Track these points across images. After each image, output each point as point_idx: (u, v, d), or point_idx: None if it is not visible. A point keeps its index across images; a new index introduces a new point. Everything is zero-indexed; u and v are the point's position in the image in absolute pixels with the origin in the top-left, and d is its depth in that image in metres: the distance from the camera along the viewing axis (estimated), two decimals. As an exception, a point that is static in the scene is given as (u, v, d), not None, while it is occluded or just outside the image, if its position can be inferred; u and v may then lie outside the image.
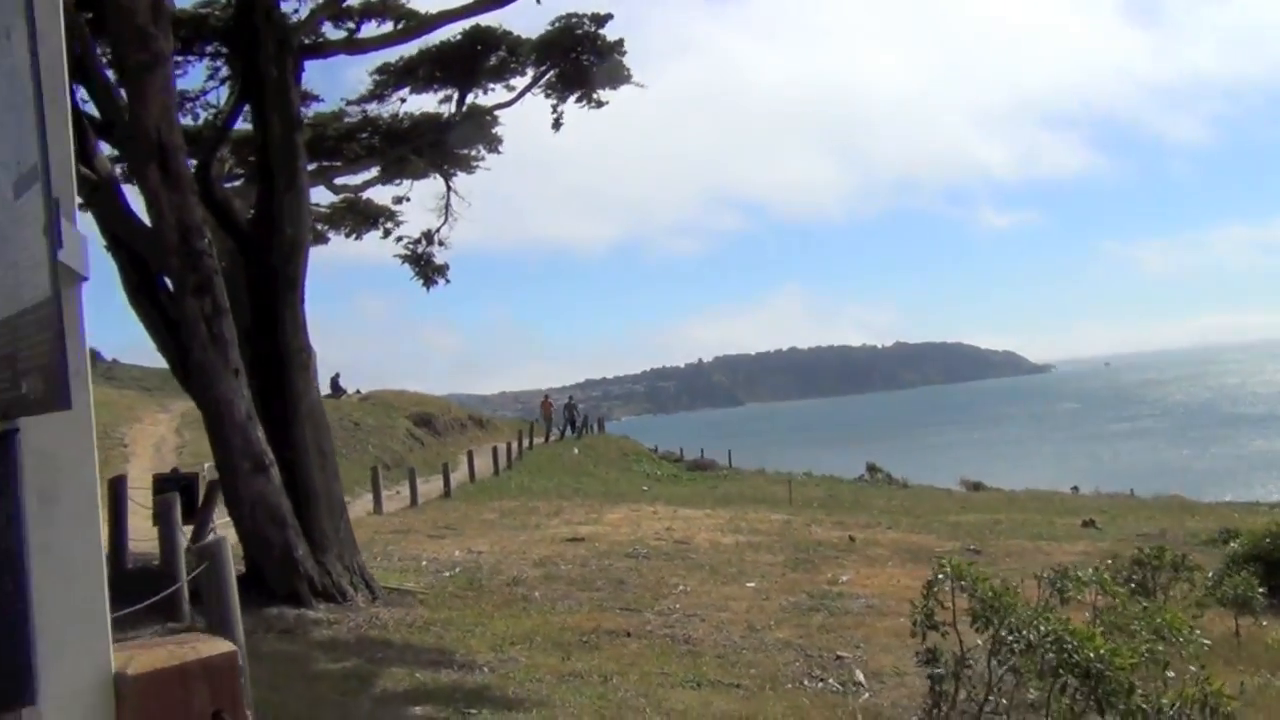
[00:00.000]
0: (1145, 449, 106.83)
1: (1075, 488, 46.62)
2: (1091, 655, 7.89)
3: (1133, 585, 11.42)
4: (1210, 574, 12.57)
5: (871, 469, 51.32)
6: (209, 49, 16.62)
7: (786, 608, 14.43)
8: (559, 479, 39.78)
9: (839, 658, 11.62)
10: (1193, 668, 7.98)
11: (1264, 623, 11.70)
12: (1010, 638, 8.25)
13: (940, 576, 9.09)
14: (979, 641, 8.71)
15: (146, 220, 12.07)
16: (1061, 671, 7.98)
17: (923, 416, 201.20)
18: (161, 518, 10.80)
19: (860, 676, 10.92)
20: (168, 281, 12.72)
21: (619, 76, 18.40)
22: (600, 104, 18.45)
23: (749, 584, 16.27)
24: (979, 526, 25.24)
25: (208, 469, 16.70)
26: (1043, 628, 8.16)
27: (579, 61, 18.06)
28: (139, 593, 7.46)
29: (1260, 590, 11.20)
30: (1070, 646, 8.00)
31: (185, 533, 11.99)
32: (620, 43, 17.68)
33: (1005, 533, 23.71)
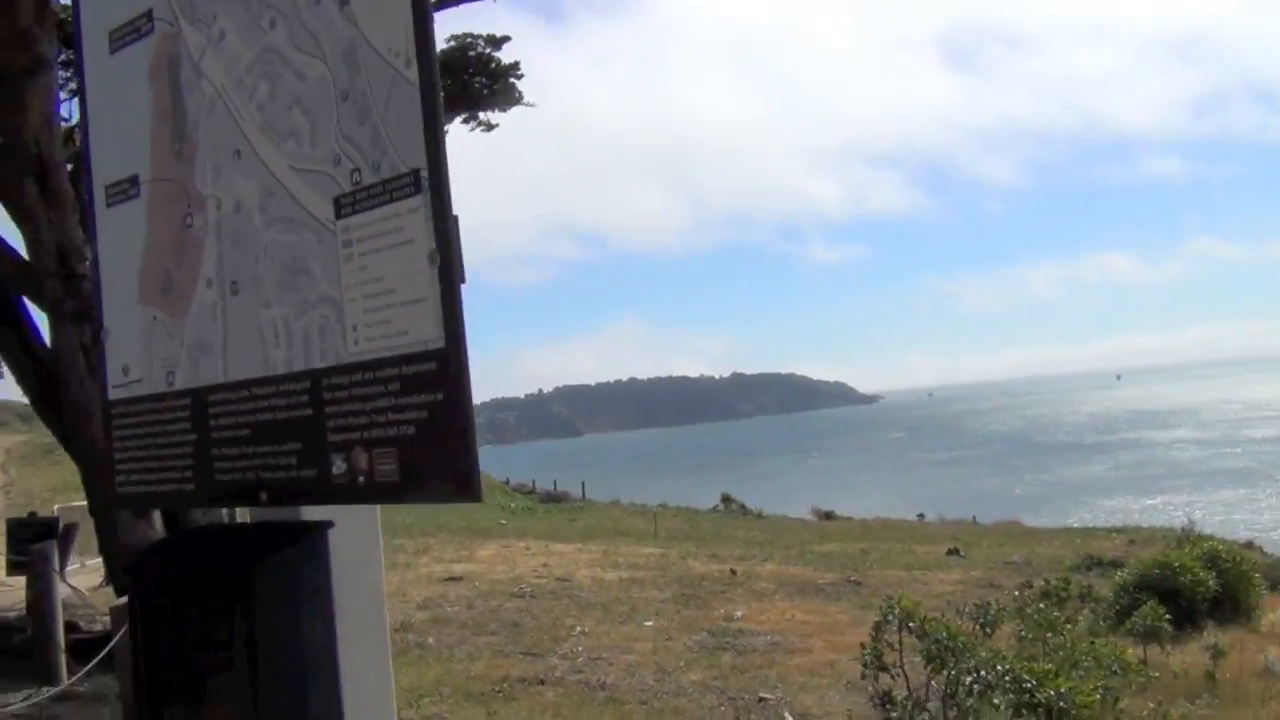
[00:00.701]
0: (968, 477, 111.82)
1: (921, 515, 48.10)
2: (1053, 694, 7.83)
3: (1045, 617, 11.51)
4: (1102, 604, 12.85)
5: (726, 499, 51.73)
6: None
7: (692, 647, 14.10)
8: (417, 513, 38.51)
9: (762, 699, 11.34)
10: (1151, 704, 8.01)
11: (1168, 651, 12.04)
12: (970, 679, 8.12)
13: (889, 617, 8.93)
14: (931, 683, 8.56)
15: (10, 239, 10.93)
16: (1024, 712, 7.90)
17: (761, 446, 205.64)
18: (35, 568, 9.64)
19: (790, 719, 10.66)
20: (28, 305, 11.57)
21: (510, 99, 17.93)
22: (490, 126, 17.93)
23: (646, 623, 15.87)
24: (849, 557, 25.54)
25: (58, 511, 15.29)
26: (1000, 667, 8.07)
27: (470, 83, 17.51)
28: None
29: (1167, 620, 11.50)
30: (1030, 686, 7.93)
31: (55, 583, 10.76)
32: (516, 65, 17.24)
33: (877, 563, 24.05)
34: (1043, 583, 13.00)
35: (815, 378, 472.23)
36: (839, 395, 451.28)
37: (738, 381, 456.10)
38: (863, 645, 8.98)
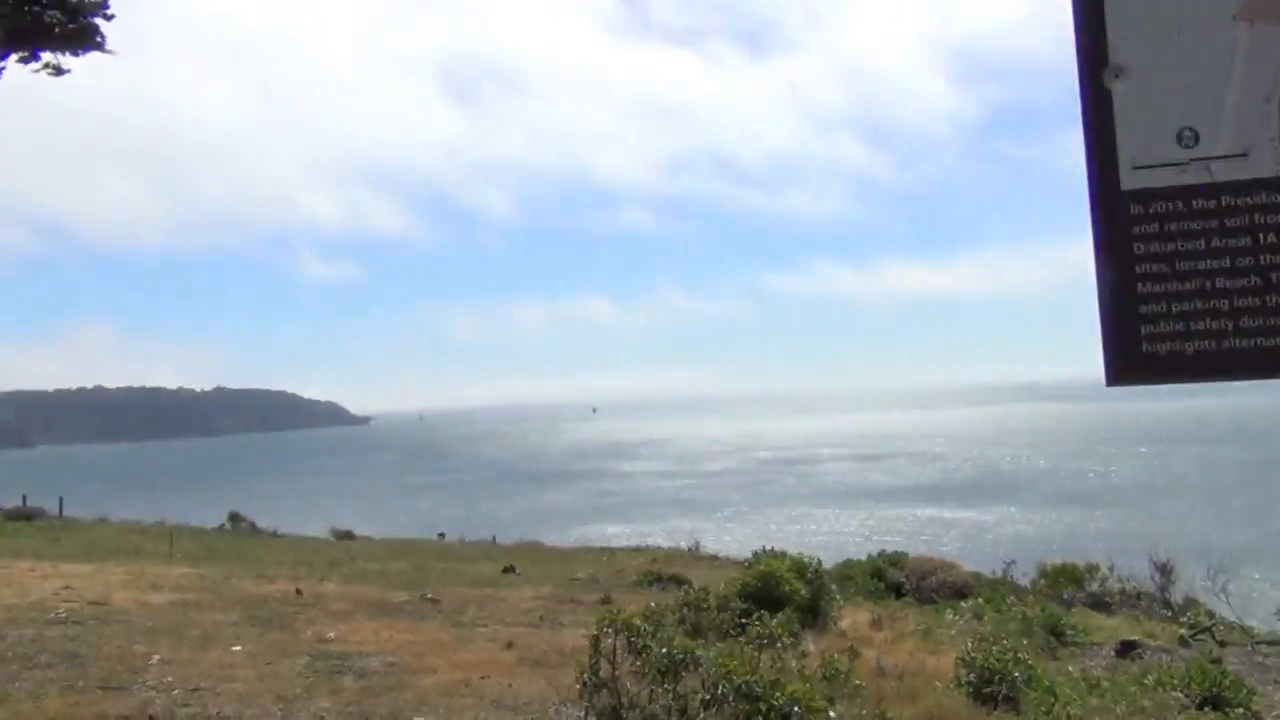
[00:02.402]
0: (461, 500, 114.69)
1: (442, 534, 48.05)
2: (782, 701, 7.88)
3: (687, 627, 11.75)
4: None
5: (234, 518, 48.12)
6: None
7: (302, 672, 12.66)
8: None
9: (418, 724, 10.40)
10: (862, 711, 8.33)
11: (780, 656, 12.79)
12: (703, 693, 7.95)
13: (607, 630, 8.54)
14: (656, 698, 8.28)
15: None
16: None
17: (246, 464, 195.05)
18: None
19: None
20: None
21: (86, 40, 15.23)
22: (60, 71, 15.06)
23: (234, 648, 14.04)
24: (406, 575, 24.70)
25: None
26: (735, 679, 7.99)
27: (35, 14, 14.63)
28: None
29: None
30: (759, 693, 7.93)
31: None
32: (104, 2, 14.65)
33: (441, 581, 23.44)
34: (684, 593, 13.25)
35: (306, 396, 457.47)
36: (330, 415, 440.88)
37: (222, 396, 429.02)
38: (580, 660, 8.49)
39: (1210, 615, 17.46)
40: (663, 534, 68.56)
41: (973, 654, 10.72)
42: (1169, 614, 17.42)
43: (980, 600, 16.44)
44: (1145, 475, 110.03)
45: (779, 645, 11.86)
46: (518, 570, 26.05)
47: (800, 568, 14.80)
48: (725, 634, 12.34)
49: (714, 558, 36.02)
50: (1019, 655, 10.79)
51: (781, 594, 14.00)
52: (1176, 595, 18.71)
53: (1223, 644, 14.34)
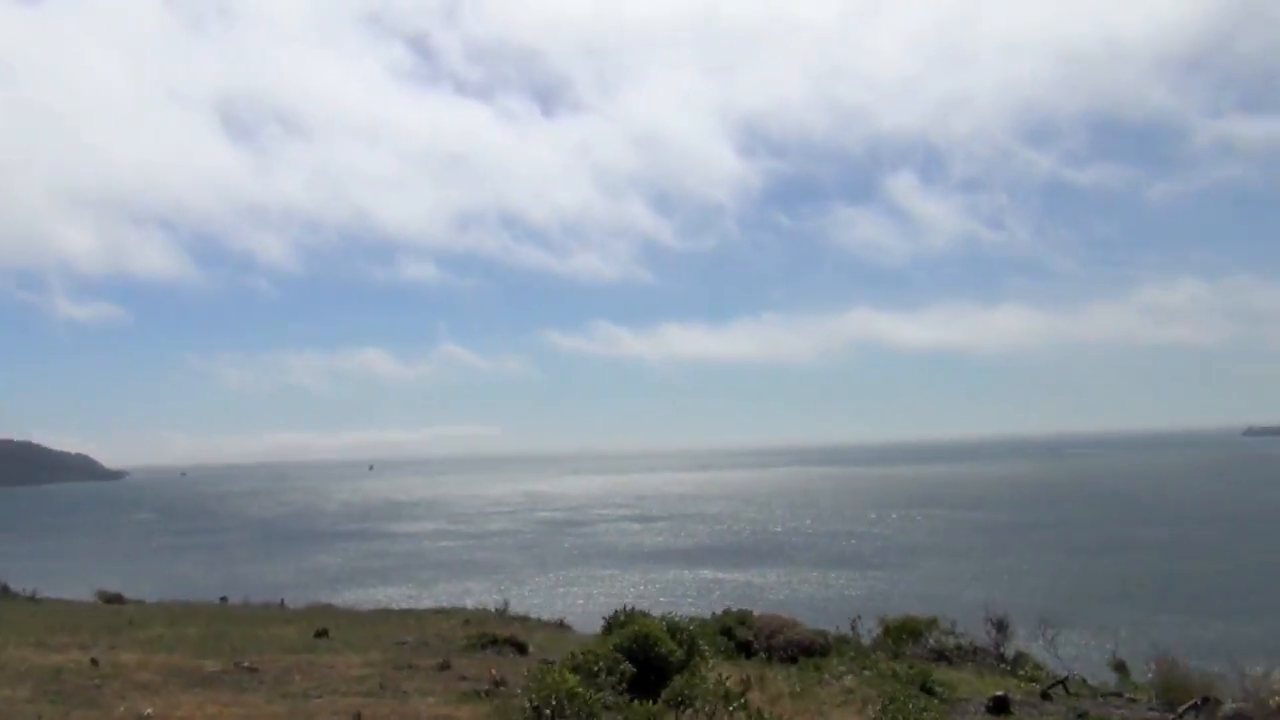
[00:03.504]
0: (223, 560, 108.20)
1: (224, 598, 44.78)
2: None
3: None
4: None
5: (-22, 581, 43.17)
6: None
7: (133, 756, 11.01)
8: None
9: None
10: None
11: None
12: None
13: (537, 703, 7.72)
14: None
15: None
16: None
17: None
18: None
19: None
20: None
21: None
22: None
23: (42, 729, 12.12)
24: (205, 641, 22.52)
25: None
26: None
27: None
28: None
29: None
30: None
31: None
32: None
33: (246, 647, 21.45)
34: (575, 658, 12.37)
35: (55, 448, 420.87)
36: (82, 469, 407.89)
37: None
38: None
39: (1038, 667, 18.07)
40: (443, 596, 66.73)
41: (884, 717, 10.43)
42: (1006, 668, 17.94)
43: (846, 659, 16.38)
44: (907, 537, 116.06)
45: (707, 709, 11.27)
46: (331, 635, 24.23)
47: (674, 628, 14.26)
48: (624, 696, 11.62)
49: (525, 619, 35.01)
50: (926, 717, 10.60)
51: (657, 655, 13.41)
52: (1010, 650, 19.39)
53: (1076, 695, 14.80)
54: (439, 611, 37.53)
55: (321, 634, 24.14)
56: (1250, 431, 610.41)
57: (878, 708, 11.22)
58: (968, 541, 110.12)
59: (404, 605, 49.50)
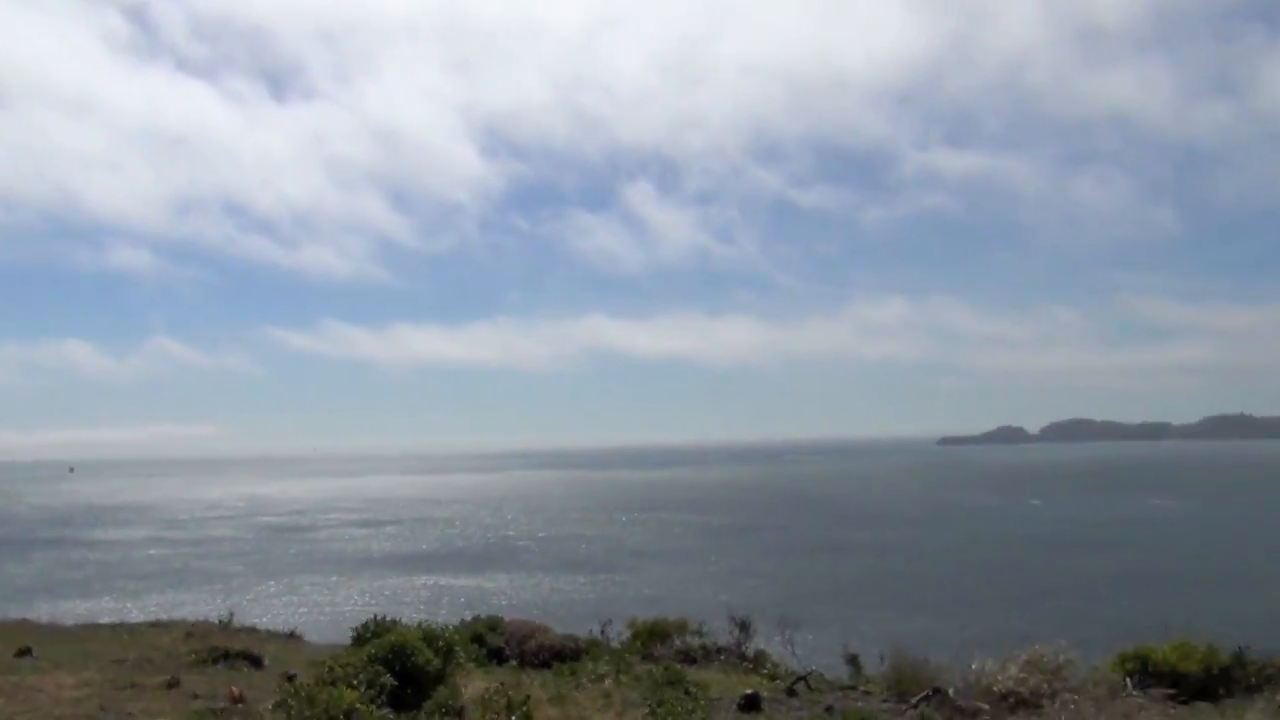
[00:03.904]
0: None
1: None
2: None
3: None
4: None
5: None
6: None
7: None
8: None
9: None
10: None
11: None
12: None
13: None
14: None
15: None
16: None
17: None
18: None
19: None
20: None
21: None
22: None
23: None
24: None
25: None
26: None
27: None
28: None
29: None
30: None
31: None
32: None
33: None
34: (329, 669, 11.71)
35: None
36: None
37: None
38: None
39: (777, 664, 18.90)
40: (156, 608, 62.35)
41: (654, 719, 10.52)
42: (749, 666, 18.64)
43: (601, 662, 16.45)
44: (637, 540, 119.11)
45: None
46: (35, 653, 22.01)
47: (430, 637, 13.83)
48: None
49: (253, 630, 33.19)
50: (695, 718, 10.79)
51: (414, 665, 12.95)
52: (750, 648, 20.17)
53: (818, 690, 15.59)
54: (155, 625, 34.93)
55: (24, 652, 21.89)
56: (944, 441, 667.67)
57: (643, 711, 11.31)
58: (694, 544, 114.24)
59: (112, 619, 45.82)
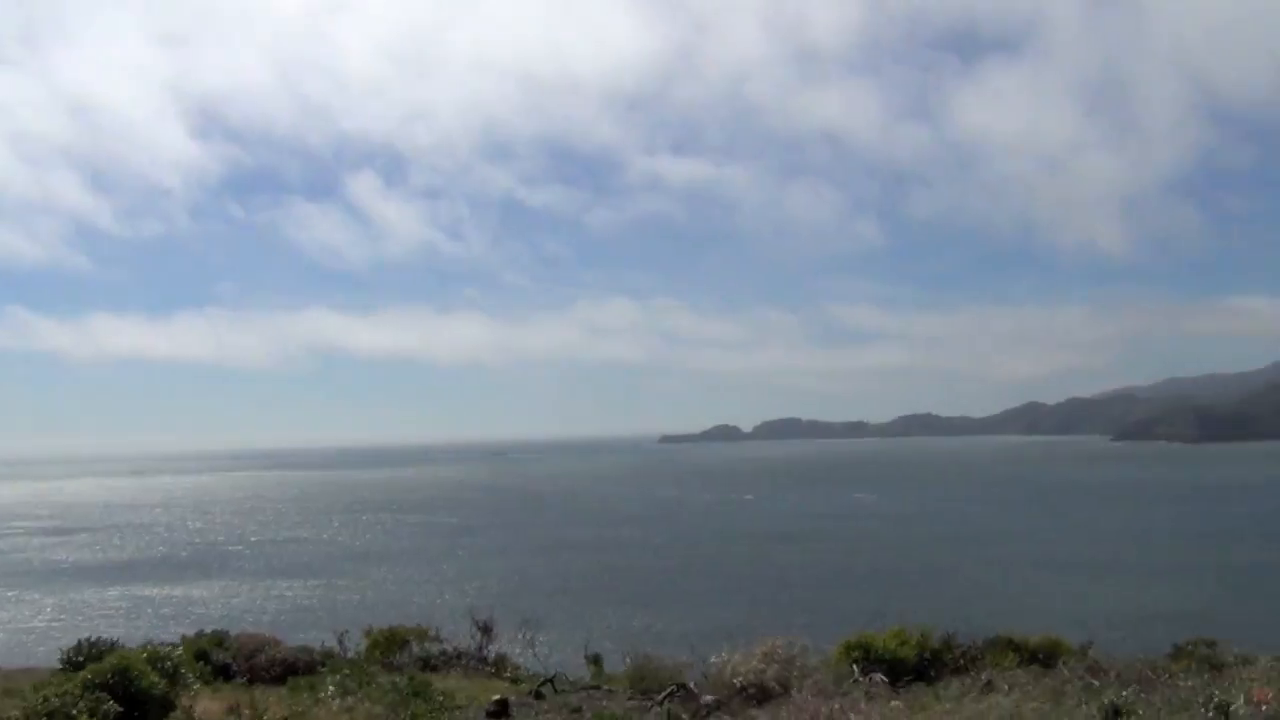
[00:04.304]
0: None
1: None
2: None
3: None
4: None
5: None
6: None
7: None
8: None
9: None
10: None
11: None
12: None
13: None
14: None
15: None
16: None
17: None
18: None
19: None
20: None
21: None
22: None
23: None
24: None
25: None
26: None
27: None
28: None
29: None
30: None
31: None
32: None
33: None
34: (43, 699, 10.51)
35: None
36: None
37: None
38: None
39: (518, 667, 18.85)
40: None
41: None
42: (491, 670, 18.43)
43: (340, 675, 15.67)
44: (359, 542, 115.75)
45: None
46: None
47: (155, 658, 12.76)
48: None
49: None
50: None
51: (139, 690, 11.89)
52: (491, 652, 19.93)
53: (564, 692, 15.61)
54: None
55: None
56: (665, 439, 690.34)
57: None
58: (421, 545, 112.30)
59: None
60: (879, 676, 14.47)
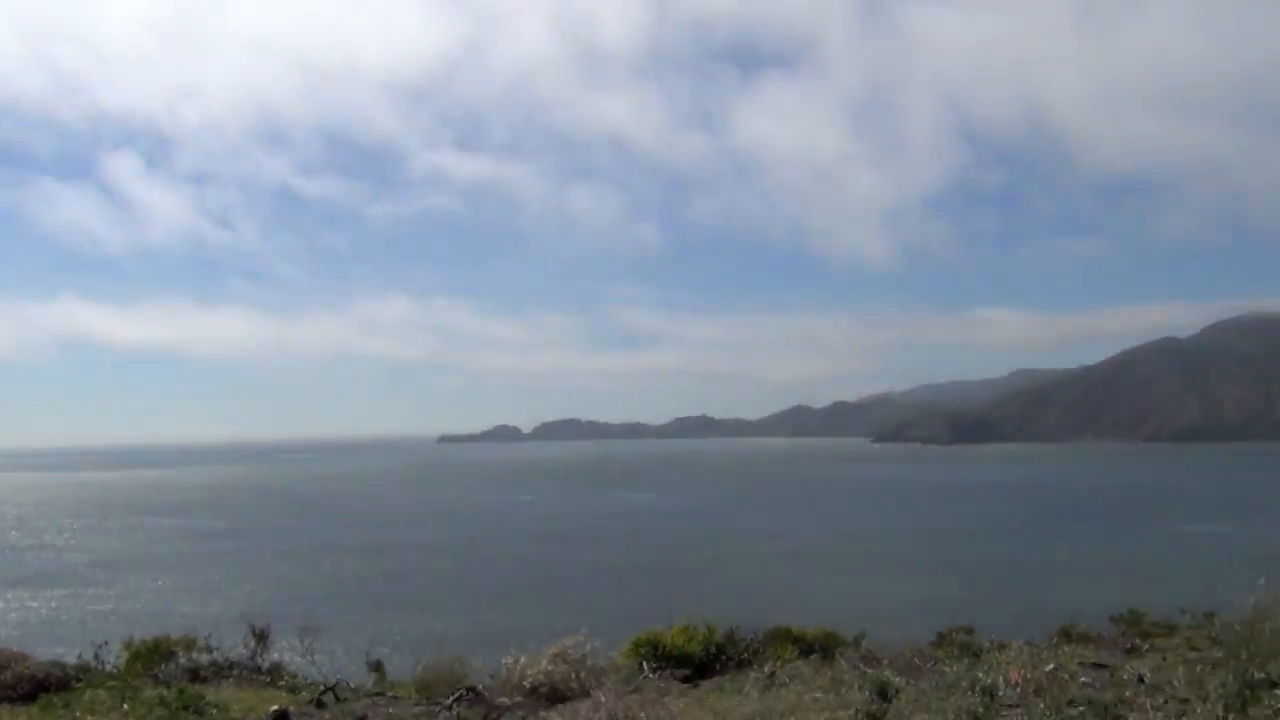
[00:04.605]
0: None
1: None
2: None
3: None
4: None
5: None
6: None
7: None
8: None
9: None
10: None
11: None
12: None
13: None
14: None
15: None
16: None
17: None
18: None
19: None
20: None
21: None
22: None
23: None
24: None
25: None
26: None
27: None
28: None
29: None
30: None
31: None
32: None
33: None
34: None
35: None
36: None
37: None
38: None
39: (295, 675, 18.01)
40: None
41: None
42: (266, 679, 17.49)
43: (101, 690, 14.41)
44: (110, 548, 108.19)
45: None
46: None
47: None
48: None
49: None
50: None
51: None
52: (266, 660, 18.85)
53: (346, 700, 14.96)
54: None
55: None
56: (444, 439, 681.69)
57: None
58: (179, 551, 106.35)
59: None
60: (670, 673, 14.70)
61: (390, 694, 15.78)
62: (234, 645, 18.81)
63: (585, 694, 13.01)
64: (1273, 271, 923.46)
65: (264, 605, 54.01)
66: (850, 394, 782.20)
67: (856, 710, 10.53)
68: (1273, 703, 8.84)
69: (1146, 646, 15.88)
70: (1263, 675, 9.42)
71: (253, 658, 18.42)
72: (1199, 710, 9.52)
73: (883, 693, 11.33)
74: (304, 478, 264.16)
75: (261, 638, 18.15)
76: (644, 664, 15.26)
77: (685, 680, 14.59)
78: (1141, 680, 11.72)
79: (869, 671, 13.90)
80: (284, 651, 20.48)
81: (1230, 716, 9.04)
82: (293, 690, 16.82)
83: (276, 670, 18.59)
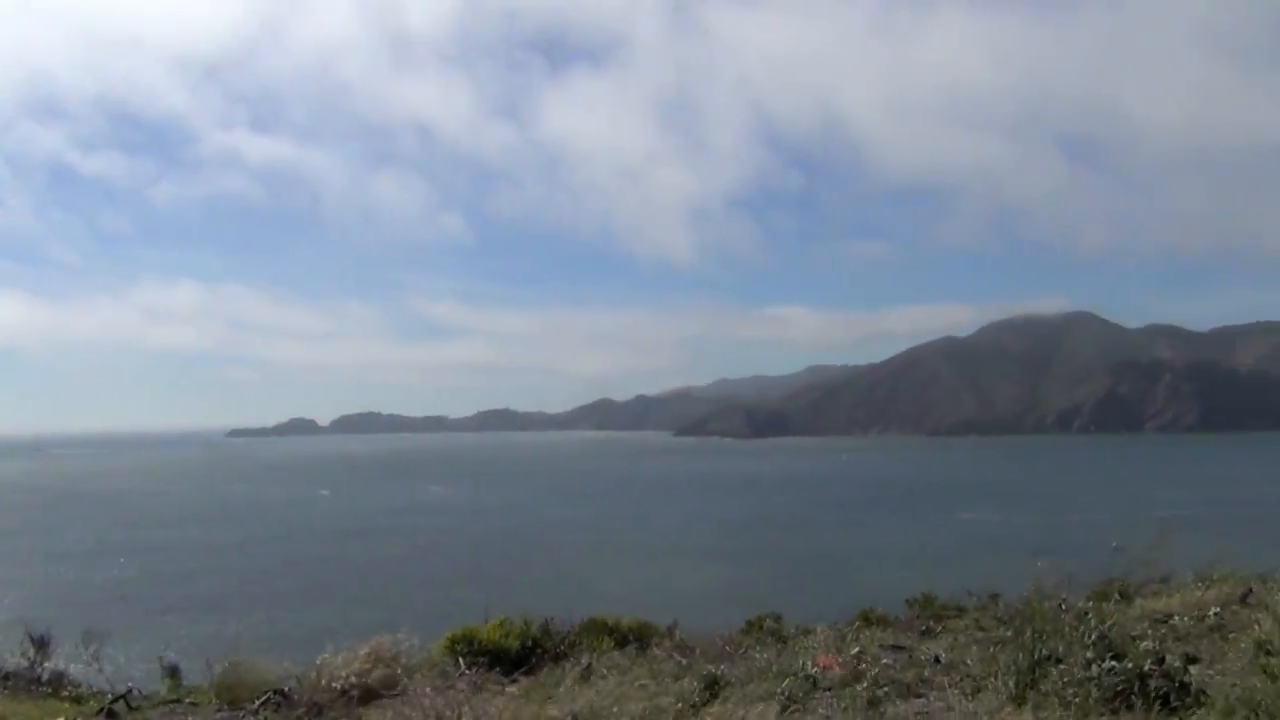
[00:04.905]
0: None
1: None
2: None
3: None
4: None
5: None
6: None
7: None
8: None
9: None
10: None
11: None
12: None
13: None
14: None
15: None
16: None
17: None
18: None
19: None
20: None
21: None
22: None
23: None
24: None
25: None
26: None
27: None
28: None
29: None
30: None
31: None
32: None
33: None
34: None
35: None
36: None
37: None
38: None
39: (78, 684, 16.88)
40: None
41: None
42: (49, 690, 16.25)
43: None
44: None
45: None
46: None
47: None
48: None
49: None
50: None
51: None
52: (46, 671, 17.47)
53: (140, 709, 14.05)
54: None
55: None
56: (234, 433, 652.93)
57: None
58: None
59: None
60: (487, 669, 14.51)
61: (188, 700, 14.98)
62: (7, 654, 17.46)
63: (401, 693, 12.70)
64: (1039, 276, 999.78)
65: (39, 610, 50.22)
66: (652, 388, 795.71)
67: (682, 699, 10.69)
68: (1060, 677, 9.44)
69: (940, 628, 16.78)
70: (1047, 652, 10.04)
71: (31, 667, 17.11)
72: (992, 687, 10.11)
73: (710, 683, 11.52)
74: (79, 474, 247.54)
75: (41, 645, 16.88)
76: (460, 660, 15.04)
77: (505, 675, 14.46)
78: (938, 660, 12.37)
79: (683, 661, 14.15)
80: (65, 659, 19.15)
81: (1021, 691, 9.63)
82: (77, 700, 15.74)
83: (59, 679, 17.35)
